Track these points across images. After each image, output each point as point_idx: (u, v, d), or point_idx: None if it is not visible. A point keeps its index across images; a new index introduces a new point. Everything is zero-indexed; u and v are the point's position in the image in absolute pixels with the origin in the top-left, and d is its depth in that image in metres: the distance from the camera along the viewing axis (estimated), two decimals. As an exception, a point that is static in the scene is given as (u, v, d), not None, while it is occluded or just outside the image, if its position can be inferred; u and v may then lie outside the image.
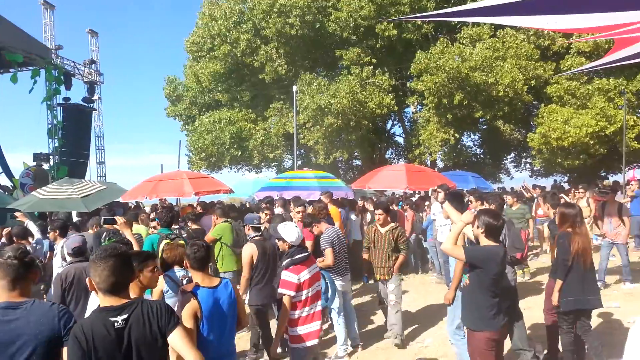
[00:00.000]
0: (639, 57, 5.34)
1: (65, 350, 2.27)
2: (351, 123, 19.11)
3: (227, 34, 20.57)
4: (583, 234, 4.51)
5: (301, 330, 3.87)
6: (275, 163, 23.86)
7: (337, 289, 5.15)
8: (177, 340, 2.34)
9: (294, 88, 17.71)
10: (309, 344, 3.89)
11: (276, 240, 4.26)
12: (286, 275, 3.84)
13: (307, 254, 4.02)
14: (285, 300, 3.81)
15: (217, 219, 7.29)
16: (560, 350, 4.77)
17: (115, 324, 2.21)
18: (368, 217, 10.26)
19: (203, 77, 21.90)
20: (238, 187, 14.15)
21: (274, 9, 19.24)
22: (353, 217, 9.83)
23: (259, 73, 20.98)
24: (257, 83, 22.10)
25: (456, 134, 19.46)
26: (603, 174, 22.94)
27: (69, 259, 4.52)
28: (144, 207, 11.34)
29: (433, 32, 20.71)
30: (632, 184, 12.44)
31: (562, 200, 8.46)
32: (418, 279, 9.88)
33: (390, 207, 9.66)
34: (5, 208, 10.63)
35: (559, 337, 4.69)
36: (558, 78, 17.69)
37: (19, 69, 18.47)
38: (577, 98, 17.77)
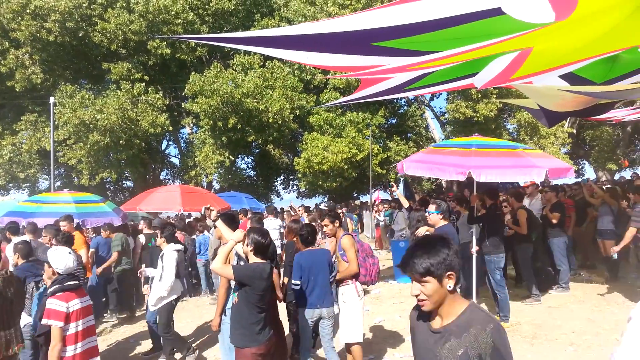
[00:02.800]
0: (380, 96, 6.38)
1: None
2: (121, 141, 18.46)
3: (-39, 30, 17.72)
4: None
5: None
6: (28, 184, 21.18)
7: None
8: None
9: (52, 100, 16.26)
10: None
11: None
12: (53, 303, 3.58)
13: (78, 283, 3.84)
14: (55, 332, 3.55)
15: None
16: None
17: None
18: (142, 239, 9.98)
19: None
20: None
21: (28, 10, 17.46)
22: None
23: (7, 80, 18.59)
24: (4, 91, 19.47)
25: (231, 157, 20.64)
26: (355, 195, 27.17)
27: None
28: None
29: (207, 56, 21.72)
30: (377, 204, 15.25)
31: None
32: (192, 301, 9.98)
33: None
34: None
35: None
36: (318, 109, 20.55)
37: None
38: (334, 128, 20.90)
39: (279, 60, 19.99)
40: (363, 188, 25.48)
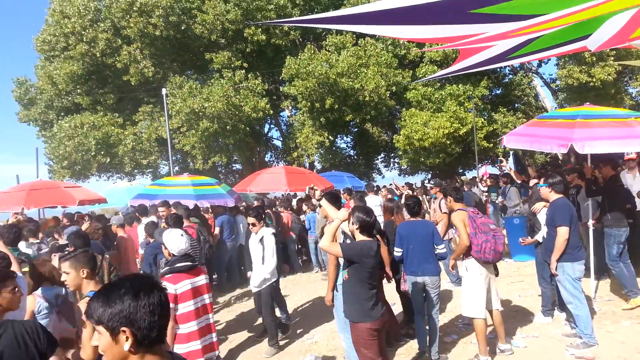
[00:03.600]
0: (481, 66, 6.23)
1: None
2: (228, 127, 19.61)
3: (83, 32, 19.76)
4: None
5: (185, 347, 3.75)
6: (150, 169, 23.35)
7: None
8: None
9: (164, 91, 17.69)
10: None
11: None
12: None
13: (190, 264, 3.96)
14: None
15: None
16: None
17: None
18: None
19: (58, 79, 20.70)
20: (109, 196, 13.73)
21: (134, 8, 19.01)
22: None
23: (123, 75, 20.51)
24: (122, 85, 21.53)
25: (330, 137, 20.98)
26: (460, 171, 26.28)
27: None
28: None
29: (300, 39, 22.10)
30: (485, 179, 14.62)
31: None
32: (304, 277, 10.27)
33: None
34: None
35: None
36: (415, 84, 20.08)
37: None
38: (433, 102, 20.32)
39: (372, 37, 19.78)
40: (469, 163, 24.59)
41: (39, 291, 4.05)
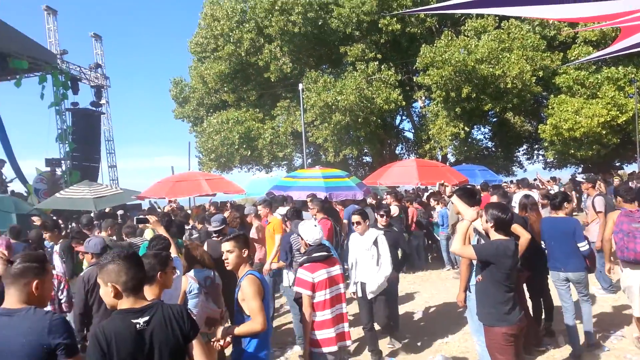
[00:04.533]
0: None
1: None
2: (359, 119, 19.83)
3: (230, 33, 21.46)
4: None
5: (319, 334, 3.82)
6: (285, 162, 24.66)
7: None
8: (196, 349, 2.42)
9: (300, 86, 18.46)
10: (325, 350, 3.81)
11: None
12: (301, 274, 3.87)
13: (326, 254, 4.00)
14: (305, 299, 3.82)
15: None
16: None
17: (137, 325, 2.25)
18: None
19: (209, 78, 22.82)
20: (250, 187, 14.80)
21: (276, 7, 20.08)
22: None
23: (264, 72, 21.82)
24: (262, 82, 22.95)
25: (466, 128, 20.06)
26: (618, 164, 23.36)
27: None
28: (159, 208, 12.12)
29: (437, 26, 21.36)
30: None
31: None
32: (435, 274, 9.88)
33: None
34: (26, 214, 11.49)
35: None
36: (566, 68, 18.23)
37: (25, 75, 19.33)
38: (587, 88, 18.29)
39: (517, 19, 18.37)
40: (628, 156, 21.75)
41: (191, 273, 4.43)
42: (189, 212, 11.47)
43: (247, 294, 3.17)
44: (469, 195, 4.39)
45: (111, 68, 73.91)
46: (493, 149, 25.58)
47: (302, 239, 4.10)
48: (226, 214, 8.02)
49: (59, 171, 19.49)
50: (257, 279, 3.26)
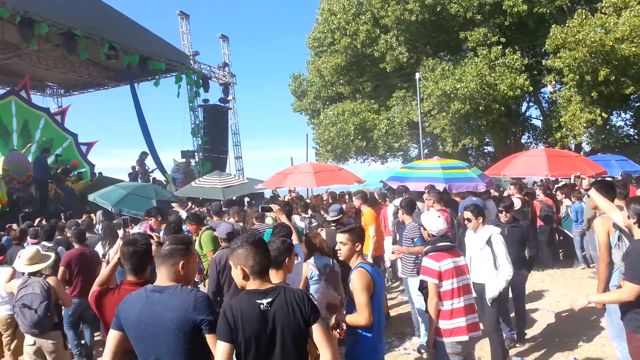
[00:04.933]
0: None
1: (208, 337, 2.47)
2: (480, 107, 18.98)
3: (347, 26, 21.68)
4: None
5: (447, 323, 3.81)
6: (401, 152, 24.46)
7: None
8: (317, 334, 2.47)
9: (417, 75, 18.12)
10: (455, 339, 3.80)
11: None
12: (426, 262, 3.90)
13: (450, 244, 4.01)
14: (431, 288, 3.84)
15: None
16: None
17: (261, 305, 2.40)
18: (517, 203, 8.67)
19: (325, 72, 23.38)
20: (367, 178, 14.98)
21: (389, -3, 19.84)
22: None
23: (380, 63, 21.76)
24: (378, 73, 22.93)
25: (603, 114, 18.19)
26: None
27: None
28: (279, 197, 12.78)
29: (569, 4, 19.54)
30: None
31: None
32: (567, 272, 9.36)
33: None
34: (166, 201, 12.84)
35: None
36: None
37: (163, 76, 21.39)
38: None
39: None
40: None
41: (311, 260, 4.65)
42: (308, 201, 11.93)
43: (355, 287, 3.25)
44: (608, 189, 4.10)
45: (237, 66, 79.08)
46: (636, 137, 22.90)
47: (424, 229, 4.12)
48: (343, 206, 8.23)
49: (192, 162, 21.40)
50: (368, 273, 3.30)
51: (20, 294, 4.49)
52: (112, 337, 2.58)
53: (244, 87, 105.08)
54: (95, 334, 6.63)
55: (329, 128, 22.84)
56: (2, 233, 8.81)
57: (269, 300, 2.42)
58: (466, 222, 5.31)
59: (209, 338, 2.47)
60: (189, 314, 2.44)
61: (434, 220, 4.03)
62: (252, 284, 2.49)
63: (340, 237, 3.47)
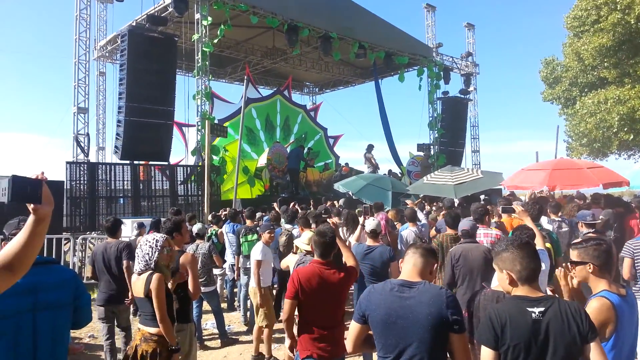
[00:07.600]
0: None
1: (457, 337, 2.51)
2: None
3: (617, 0, 18.66)
4: None
5: None
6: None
7: None
8: (594, 355, 2.26)
9: None
10: None
11: None
12: None
13: None
14: None
15: None
16: None
17: (533, 314, 2.27)
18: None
19: (586, 54, 20.71)
20: (633, 178, 12.53)
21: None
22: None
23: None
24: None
25: None
26: None
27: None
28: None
29: None
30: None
31: None
32: None
33: None
34: (399, 193, 13.32)
35: None
36: None
37: (406, 70, 21.99)
38: None
39: None
40: None
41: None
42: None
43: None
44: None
45: (481, 55, 75.99)
46: None
47: None
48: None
49: (428, 155, 21.64)
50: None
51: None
52: (355, 329, 2.81)
53: (486, 77, 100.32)
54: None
55: (586, 119, 20.36)
56: (263, 214, 10.37)
57: (542, 309, 2.29)
58: None
59: (458, 337, 2.52)
60: (442, 311, 2.50)
61: None
62: (520, 290, 2.40)
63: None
